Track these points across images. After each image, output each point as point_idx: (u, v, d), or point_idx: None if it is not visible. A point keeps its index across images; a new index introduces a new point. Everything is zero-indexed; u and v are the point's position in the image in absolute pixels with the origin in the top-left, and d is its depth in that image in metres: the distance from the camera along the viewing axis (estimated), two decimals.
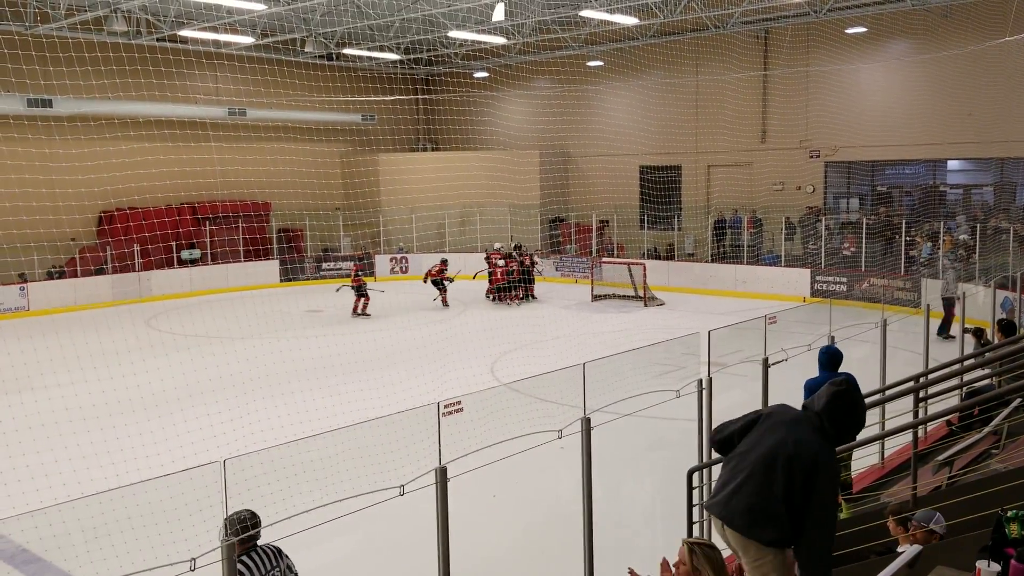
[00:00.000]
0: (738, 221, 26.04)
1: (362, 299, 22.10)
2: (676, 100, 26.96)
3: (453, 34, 25.54)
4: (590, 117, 29.53)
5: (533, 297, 24.55)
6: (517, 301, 23.91)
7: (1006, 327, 9.95)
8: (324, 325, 20.35)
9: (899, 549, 5.11)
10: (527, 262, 24.73)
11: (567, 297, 24.57)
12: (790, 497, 3.50)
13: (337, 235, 30.02)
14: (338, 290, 22.49)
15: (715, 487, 3.84)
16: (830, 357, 7.65)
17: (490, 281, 24.44)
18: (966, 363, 9.06)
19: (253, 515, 4.71)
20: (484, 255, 25.20)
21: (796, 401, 8.27)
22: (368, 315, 21.94)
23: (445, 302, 23.21)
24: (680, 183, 28.29)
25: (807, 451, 3.54)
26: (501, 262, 24.32)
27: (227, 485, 4.11)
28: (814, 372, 7.81)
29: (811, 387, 7.69)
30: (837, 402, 3.62)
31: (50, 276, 23.67)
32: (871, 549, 5.61)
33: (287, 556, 4.89)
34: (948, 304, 17.02)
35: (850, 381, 3.69)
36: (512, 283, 24.01)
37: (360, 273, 22.62)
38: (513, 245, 25.71)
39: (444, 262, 23.82)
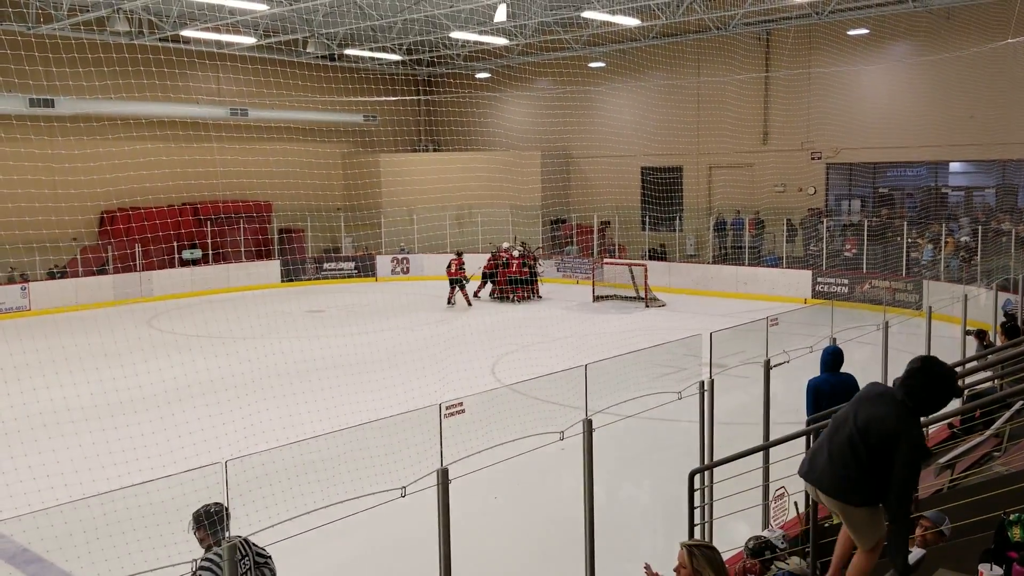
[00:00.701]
0: (739, 222, 26.04)
1: (457, 290, 23.38)
2: (678, 101, 26.96)
3: (455, 35, 25.55)
4: (592, 118, 29.53)
5: (539, 296, 24.66)
6: (520, 299, 24.11)
7: (1010, 330, 9.93)
8: (325, 326, 20.35)
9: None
10: (531, 261, 24.90)
11: (568, 298, 24.56)
12: (875, 466, 3.96)
13: (339, 235, 30.02)
14: (467, 281, 23.59)
15: (807, 456, 4.39)
16: (834, 358, 7.68)
17: (495, 281, 24.50)
18: (968, 365, 9.05)
19: (222, 507, 4.75)
20: (490, 255, 25.29)
21: (796, 402, 8.27)
22: (470, 305, 23.34)
23: (466, 299, 23.63)
24: (682, 184, 28.29)
25: (887, 425, 3.96)
26: (516, 253, 24.66)
27: (229, 486, 4.11)
28: (816, 374, 7.82)
29: (813, 386, 7.70)
30: (912, 380, 3.99)
31: (51, 276, 23.67)
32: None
33: (255, 544, 4.92)
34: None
35: (926, 360, 4.04)
36: (519, 281, 24.24)
37: (461, 267, 23.48)
38: (520, 243, 25.88)
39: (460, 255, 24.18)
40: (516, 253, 24.73)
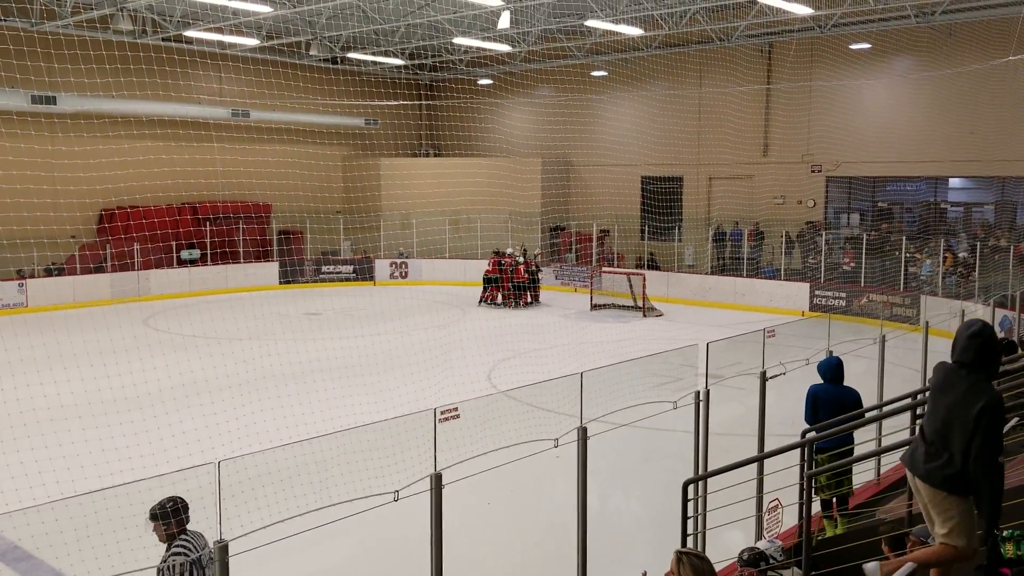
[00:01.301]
0: (738, 234, 26.06)
1: (491, 290, 24.66)
2: (679, 112, 27.01)
3: (458, 40, 25.59)
4: (593, 126, 29.58)
5: (538, 301, 24.95)
6: (525, 304, 24.58)
7: (1006, 347, 9.94)
8: (322, 329, 20.33)
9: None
10: (532, 266, 25.28)
11: (566, 306, 24.58)
12: (967, 446, 3.99)
13: (337, 238, 30.03)
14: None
15: (910, 448, 4.46)
16: (832, 370, 7.69)
17: (501, 285, 24.78)
18: None
19: (183, 501, 5.03)
20: (497, 259, 25.65)
21: (791, 414, 8.25)
22: (498, 304, 24.60)
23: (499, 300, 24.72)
24: (681, 194, 28.32)
25: (970, 403, 4.02)
26: (521, 258, 25.16)
27: (221, 486, 4.10)
28: (813, 385, 7.81)
29: (812, 393, 7.70)
30: (982, 350, 4.07)
31: (49, 273, 23.64)
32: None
33: (202, 535, 5.10)
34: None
35: (984, 326, 4.11)
36: (524, 286, 24.69)
37: (499, 266, 24.81)
38: (522, 249, 26.22)
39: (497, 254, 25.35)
40: (521, 258, 25.14)
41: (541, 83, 30.42)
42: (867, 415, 7.53)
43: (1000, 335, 13.07)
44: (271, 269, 28.03)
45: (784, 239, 24.57)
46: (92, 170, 21.50)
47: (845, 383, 7.80)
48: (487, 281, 24.88)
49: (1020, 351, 9.63)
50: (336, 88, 28.70)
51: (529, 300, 24.77)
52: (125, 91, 22.89)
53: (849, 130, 24.13)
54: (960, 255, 21.74)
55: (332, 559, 7.99)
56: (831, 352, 8.49)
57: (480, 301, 24.68)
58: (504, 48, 26.79)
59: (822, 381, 7.75)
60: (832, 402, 7.52)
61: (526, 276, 24.78)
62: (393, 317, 22.02)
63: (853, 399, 7.62)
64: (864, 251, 22.59)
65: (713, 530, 6.77)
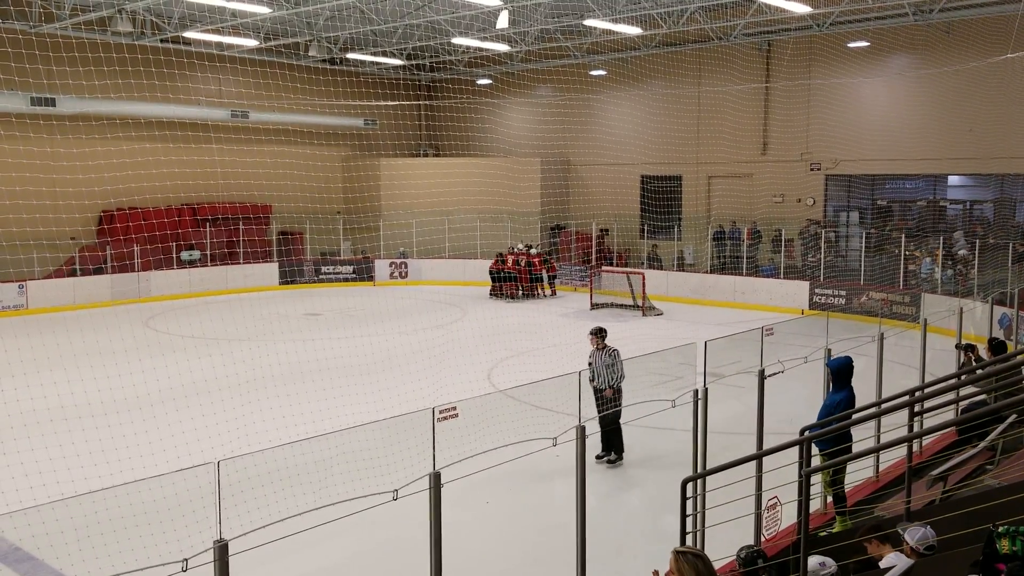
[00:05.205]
0: (737, 232, 26.07)
1: (501, 285, 25.54)
2: (678, 110, 27.03)
3: (457, 41, 25.60)
4: (592, 126, 29.59)
5: (535, 296, 26.01)
6: (552, 293, 26.08)
7: (996, 347, 10.02)
8: (322, 328, 20.34)
9: (881, 564, 5.10)
10: (536, 260, 26.29)
11: (565, 305, 24.60)
12: None
13: (337, 239, 30.04)
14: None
15: None
16: (838, 373, 7.74)
17: (520, 279, 25.53)
18: (961, 378, 9.06)
19: None
20: (512, 253, 26.47)
21: (790, 412, 8.26)
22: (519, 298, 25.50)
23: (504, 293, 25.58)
24: (681, 193, 28.34)
25: None
26: (534, 251, 26.36)
27: (220, 486, 4.12)
28: (810, 384, 7.84)
29: (829, 406, 7.75)
30: None
31: (49, 275, 23.64)
32: (864, 562, 5.61)
33: None
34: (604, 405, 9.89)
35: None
36: (542, 277, 25.96)
37: (544, 262, 26.08)
38: (528, 246, 27.00)
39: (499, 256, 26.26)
40: (533, 251, 26.14)
41: (540, 83, 30.43)
42: (866, 412, 7.57)
43: (999, 332, 13.14)
44: (271, 270, 28.04)
45: (781, 237, 24.51)
46: (92, 172, 21.51)
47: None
48: (501, 277, 25.46)
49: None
50: (335, 89, 28.70)
51: (548, 292, 26.10)
52: (124, 93, 22.89)
53: (848, 128, 24.16)
54: (959, 252, 21.76)
55: (331, 559, 8.00)
56: (829, 351, 8.52)
57: (497, 295, 25.51)
58: (503, 48, 26.81)
59: (831, 388, 7.82)
60: (824, 405, 7.62)
61: (544, 267, 26.07)
62: (393, 317, 22.03)
63: (835, 401, 7.71)
64: (863, 249, 22.60)
65: (712, 528, 6.79)
